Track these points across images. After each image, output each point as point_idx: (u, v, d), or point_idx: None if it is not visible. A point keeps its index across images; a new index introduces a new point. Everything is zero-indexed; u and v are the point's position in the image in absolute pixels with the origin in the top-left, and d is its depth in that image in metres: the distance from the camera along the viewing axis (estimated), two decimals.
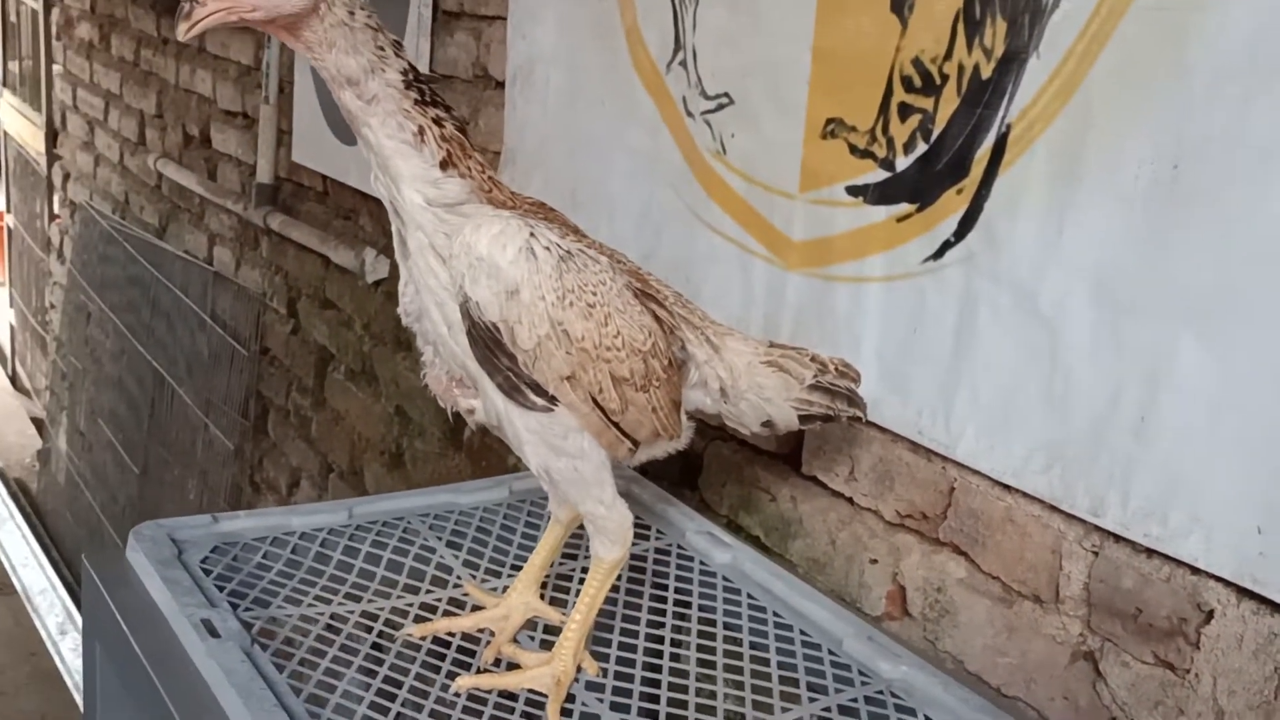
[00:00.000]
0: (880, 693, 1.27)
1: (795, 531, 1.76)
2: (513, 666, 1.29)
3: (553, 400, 1.18)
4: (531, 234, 1.16)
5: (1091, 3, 1.30)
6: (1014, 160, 1.40)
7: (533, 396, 1.18)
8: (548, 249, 1.16)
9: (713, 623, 1.39)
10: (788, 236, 1.71)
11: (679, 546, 1.56)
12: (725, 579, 1.48)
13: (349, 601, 1.38)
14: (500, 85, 2.37)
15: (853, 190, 1.61)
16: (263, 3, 1.06)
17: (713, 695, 1.25)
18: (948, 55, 1.47)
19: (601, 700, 1.24)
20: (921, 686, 1.28)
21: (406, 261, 1.21)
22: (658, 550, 1.56)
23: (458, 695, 1.22)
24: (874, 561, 1.65)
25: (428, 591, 1.42)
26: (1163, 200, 1.25)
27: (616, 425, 1.23)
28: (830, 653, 1.33)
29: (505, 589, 1.44)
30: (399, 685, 1.22)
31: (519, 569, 1.48)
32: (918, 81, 1.51)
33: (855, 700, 1.26)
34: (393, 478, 2.87)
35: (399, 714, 1.17)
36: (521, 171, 2.27)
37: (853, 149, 1.60)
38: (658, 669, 1.30)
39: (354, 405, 3.04)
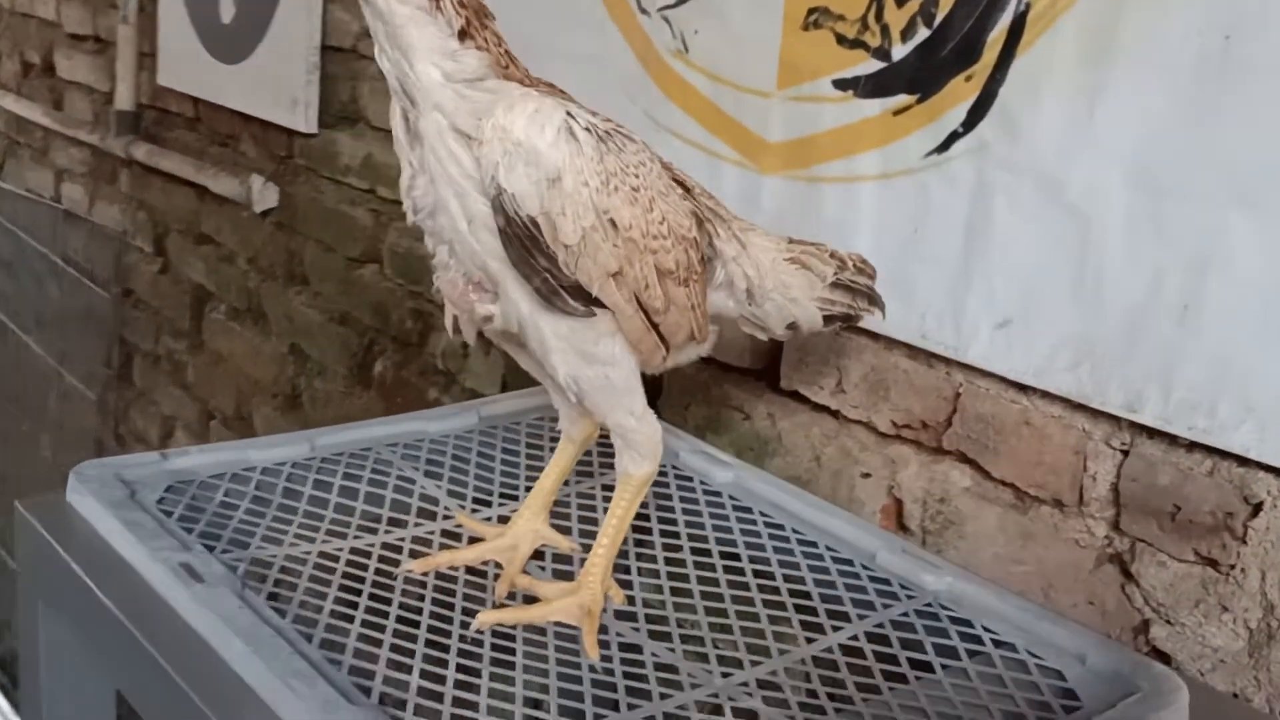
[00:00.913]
0: (929, 605, 1.19)
1: (773, 450, 1.67)
2: (530, 599, 1.17)
3: (594, 303, 1.06)
4: (569, 113, 1.03)
5: None
6: (1034, 40, 1.32)
7: (572, 301, 1.05)
8: (587, 130, 1.04)
9: (733, 543, 1.29)
10: (762, 138, 1.61)
11: (674, 468, 1.46)
12: (733, 498, 1.39)
13: (333, 539, 1.23)
14: None
15: (841, 84, 1.51)
16: None
17: (755, 618, 1.15)
18: None
19: (637, 630, 1.13)
20: (971, 596, 1.20)
21: (417, 150, 1.06)
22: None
23: (481, 633, 1.09)
24: (866, 475, 1.57)
25: (416, 525, 1.28)
26: (1212, 75, 1.19)
27: (656, 327, 1.12)
28: (865, 568, 1.25)
29: (497, 519, 1.31)
30: (415, 625, 1.09)
31: (508, 497, 1.36)
32: None
33: (906, 615, 1.18)
34: (288, 421, 2.69)
35: (426, 655, 1.04)
36: None
37: (840, 39, 1.50)
38: (689, 594, 1.19)
39: (239, 346, 2.84)
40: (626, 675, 1.05)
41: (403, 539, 1.25)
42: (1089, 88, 1.28)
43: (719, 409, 1.74)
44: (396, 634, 1.07)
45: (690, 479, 1.43)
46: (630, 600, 1.18)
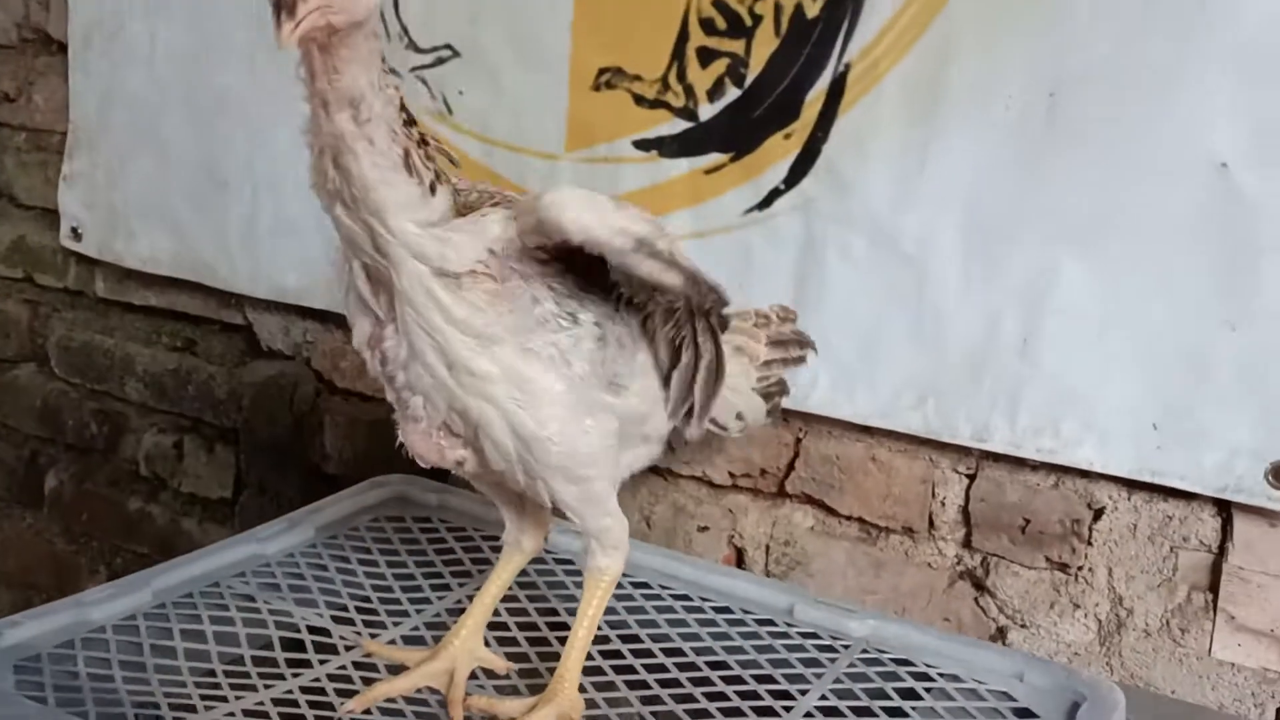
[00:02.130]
0: (866, 652, 1.23)
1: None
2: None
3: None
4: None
5: None
6: (857, 100, 1.40)
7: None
8: None
9: (654, 624, 1.27)
10: None
11: (547, 551, 1.41)
12: (626, 574, 1.36)
13: (244, 692, 1.09)
14: (63, 49, 1.95)
15: (643, 144, 1.52)
16: (345, 6, 0.86)
17: (724, 696, 1.14)
18: None
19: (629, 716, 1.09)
20: (897, 636, 1.25)
21: (382, 301, 1.00)
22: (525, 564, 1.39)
23: None
24: (704, 529, 1.60)
25: (322, 662, 1.16)
26: (1039, 128, 1.31)
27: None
28: (789, 625, 1.27)
29: (400, 640, 1.22)
30: None
31: (398, 614, 1.26)
32: (721, 23, 1.46)
33: (854, 665, 1.21)
34: None
35: None
36: (110, 154, 1.89)
37: (639, 99, 1.51)
38: (644, 685, 1.16)
39: None
40: None
41: (318, 679, 1.13)
42: (918, 143, 1.37)
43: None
44: None
45: (569, 562, 1.39)
46: (592, 703, 1.14)
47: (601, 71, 1.53)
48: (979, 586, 1.45)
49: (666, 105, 1.50)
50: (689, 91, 1.49)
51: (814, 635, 1.26)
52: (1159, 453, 1.31)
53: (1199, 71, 1.23)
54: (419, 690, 1.14)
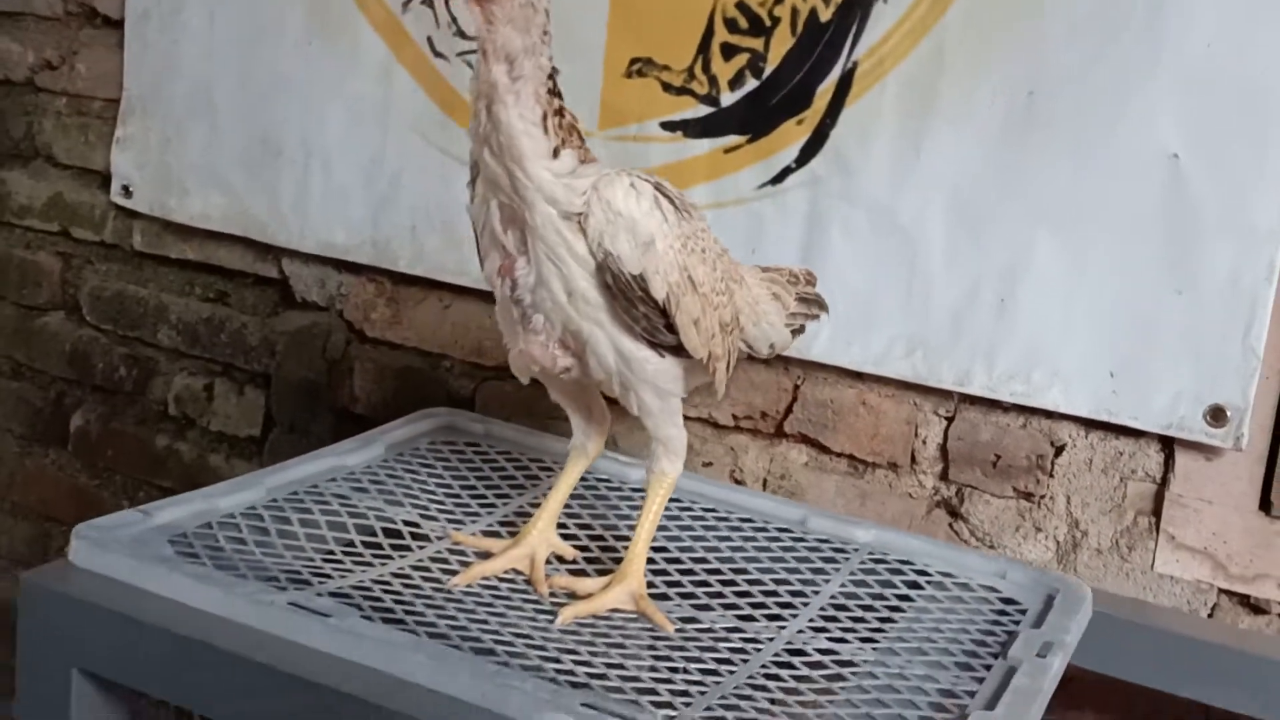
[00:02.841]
0: (872, 554, 1.46)
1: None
2: (570, 596, 1.31)
3: (678, 346, 1.24)
4: (655, 186, 1.21)
5: None
6: (863, 93, 1.63)
7: (664, 345, 1.23)
8: (668, 200, 1.21)
9: (690, 530, 1.48)
10: None
11: (588, 473, 1.61)
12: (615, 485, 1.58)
13: (365, 566, 1.29)
14: (110, 23, 2.12)
15: (669, 125, 1.74)
16: None
17: (748, 594, 1.35)
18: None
19: (681, 606, 1.30)
20: (895, 543, 1.48)
21: (512, 237, 1.20)
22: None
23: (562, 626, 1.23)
24: (708, 464, 1.82)
25: (420, 548, 1.36)
26: (1018, 123, 1.56)
27: (713, 368, 1.31)
28: (805, 535, 1.50)
29: (480, 534, 1.42)
30: (496, 627, 1.20)
31: (470, 515, 1.46)
32: (743, 23, 1.68)
33: (864, 563, 1.43)
34: None
35: (529, 646, 1.16)
36: (165, 121, 2.06)
37: (667, 86, 1.73)
38: (679, 584, 1.37)
39: None
40: (695, 640, 1.23)
41: (421, 560, 1.32)
42: (914, 132, 1.61)
43: (544, 422, 1.90)
44: (486, 633, 1.17)
45: (609, 480, 1.60)
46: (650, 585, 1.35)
47: (634, 61, 1.74)
48: (953, 513, 1.69)
49: (692, 92, 1.72)
50: (713, 81, 1.71)
51: (826, 541, 1.49)
52: (1114, 396, 1.56)
53: (1154, 79, 1.49)
54: (506, 571, 1.34)
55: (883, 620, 1.32)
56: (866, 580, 1.41)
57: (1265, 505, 1.53)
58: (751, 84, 1.69)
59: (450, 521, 1.43)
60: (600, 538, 1.45)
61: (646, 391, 1.26)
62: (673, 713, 1.08)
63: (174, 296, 2.18)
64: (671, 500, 1.56)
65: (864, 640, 1.27)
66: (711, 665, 1.19)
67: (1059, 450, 1.63)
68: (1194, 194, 1.49)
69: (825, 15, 1.64)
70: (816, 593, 1.37)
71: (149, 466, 2.24)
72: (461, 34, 1.83)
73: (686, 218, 1.23)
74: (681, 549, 1.45)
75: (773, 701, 1.13)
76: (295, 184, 1.97)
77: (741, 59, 1.69)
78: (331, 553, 1.32)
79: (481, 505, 1.49)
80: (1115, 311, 1.55)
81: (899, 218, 1.63)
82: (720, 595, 1.35)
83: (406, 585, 1.27)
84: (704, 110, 1.72)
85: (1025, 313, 1.59)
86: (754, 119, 1.69)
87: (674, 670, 1.16)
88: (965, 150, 1.59)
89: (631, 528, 1.44)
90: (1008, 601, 1.39)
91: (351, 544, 1.35)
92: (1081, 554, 1.63)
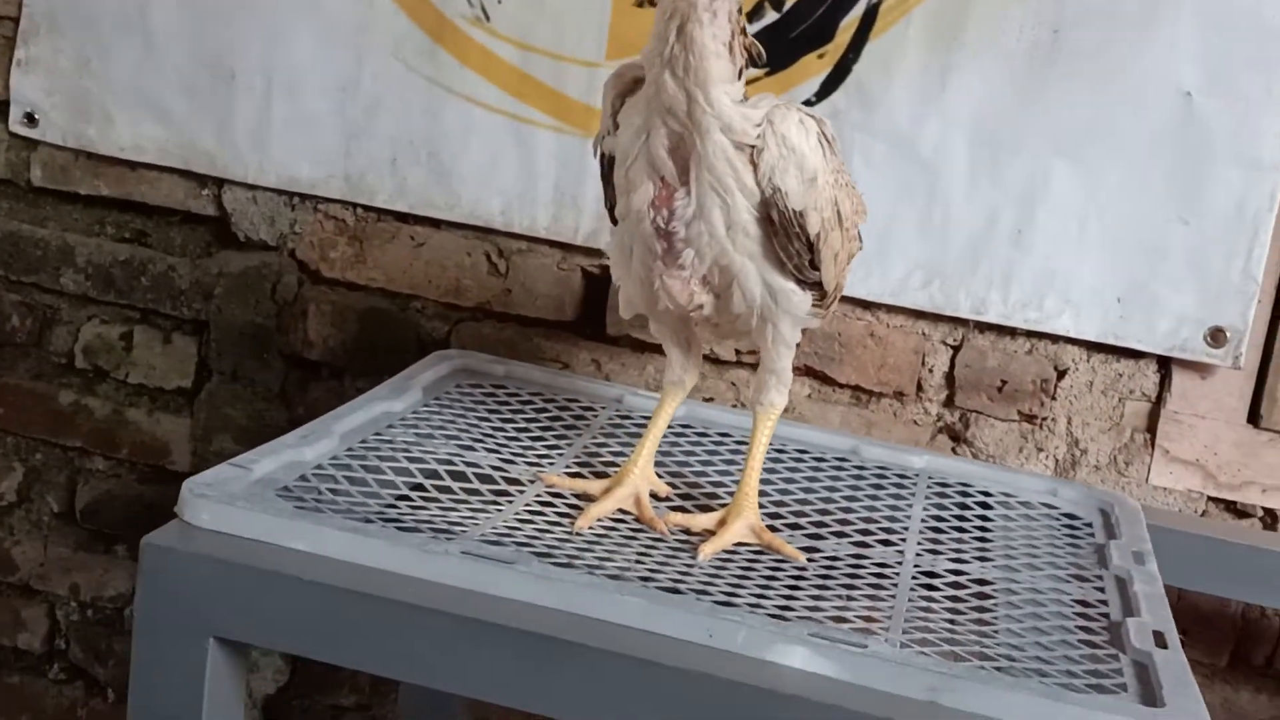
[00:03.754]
0: (935, 480, 1.51)
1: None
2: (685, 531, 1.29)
3: (815, 280, 1.23)
4: (817, 120, 1.20)
5: None
6: (887, 28, 1.65)
7: (811, 274, 1.22)
8: (824, 135, 1.20)
9: (735, 462, 1.48)
10: (588, 105, 1.74)
11: (625, 411, 1.58)
12: (698, 429, 1.56)
13: (483, 515, 1.22)
14: None
15: None
16: None
17: (850, 503, 1.37)
18: None
19: (793, 539, 1.31)
20: (947, 467, 1.53)
21: (668, 167, 1.16)
22: (617, 419, 1.56)
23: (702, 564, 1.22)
24: (708, 400, 1.81)
25: (519, 491, 1.30)
26: (1042, 59, 1.62)
27: (834, 299, 1.31)
28: (859, 465, 1.52)
29: (571, 473, 1.38)
30: (652, 564, 1.17)
31: (546, 456, 1.41)
32: None
33: (931, 486, 1.48)
34: None
35: (674, 579, 1.14)
36: (81, 41, 1.86)
37: None
38: (782, 505, 1.38)
39: None
40: (831, 568, 1.23)
41: (531, 504, 1.27)
42: (938, 67, 1.64)
43: (538, 361, 1.84)
44: (665, 571, 1.15)
45: (630, 416, 1.57)
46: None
47: None
48: (956, 438, 1.76)
49: None
50: None
51: (886, 469, 1.52)
52: (1121, 321, 1.66)
53: (1172, 18, 1.58)
54: (617, 511, 1.31)
55: (980, 540, 1.37)
56: (943, 504, 1.45)
57: (1254, 418, 1.66)
58: (771, 16, 1.68)
59: (529, 464, 1.38)
60: (679, 475, 1.42)
61: (786, 323, 1.26)
62: (882, 638, 1.08)
63: (81, 237, 1.98)
64: (723, 435, 1.55)
65: (979, 559, 1.31)
66: (868, 591, 1.20)
67: (1061, 374, 1.71)
68: (1203, 129, 1.59)
69: None
70: (908, 518, 1.39)
71: (51, 425, 2.04)
72: None
73: (834, 151, 1.23)
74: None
75: (951, 623, 1.16)
76: (252, 112, 1.82)
77: None
78: (437, 499, 1.25)
79: (547, 447, 1.44)
80: (1125, 240, 1.64)
81: (920, 149, 1.66)
82: (822, 525, 1.36)
83: (537, 530, 1.22)
84: None
85: (1040, 241, 1.66)
86: (773, 52, 1.67)
87: (840, 598, 1.17)
88: (990, 83, 1.63)
89: (702, 462, 1.44)
90: (1070, 516, 1.47)
91: (449, 489, 1.28)
92: (1080, 470, 1.72)
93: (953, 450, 1.76)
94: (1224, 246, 1.61)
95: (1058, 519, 1.46)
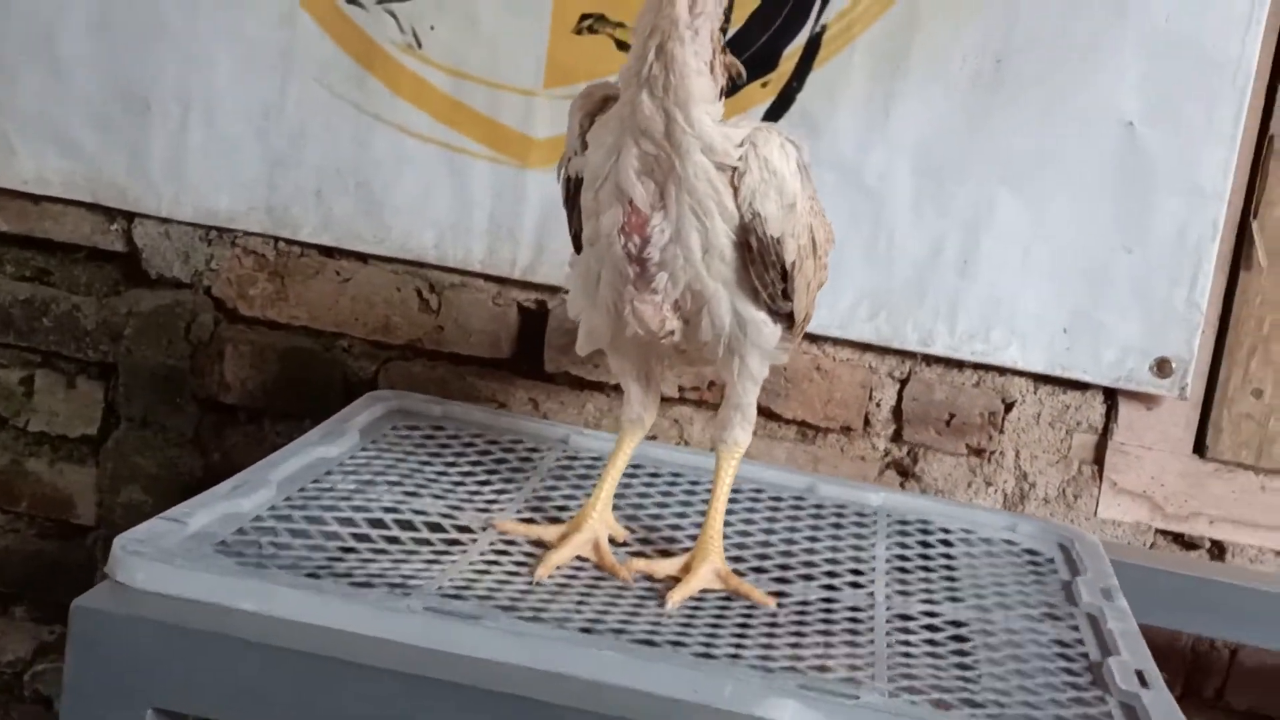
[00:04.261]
0: (893, 517, 1.46)
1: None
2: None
3: (787, 311, 1.19)
4: (796, 145, 1.16)
5: None
6: (831, 56, 1.62)
7: (783, 305, 1.18)
8: (802, 159, 1.17)
9: (690, 503, 1.43)
10: (525, 134, 1.69)
11: (573, 452, 1.52)
12: (649, 469, 1.51)
13: (435, 567, 1.15)
14: None
15: None
16: None
17: (810, 576, 1.32)
18: None
19: (760, 582, 1.25)
20: (905, 505, 1.49)
21: (648, 188, 1.11)
22: (564, 460, 1.50)
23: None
24: (651, 438, 1.75)
25: (471, 541, 1.23)
26: (985, 88, 1.60)
27: (801, 330, 1.27)
28: (821, 505, 1.47)
29: (523, 518, 1.31)
30: (620, 615, 1.11)
31: (491, 502, 1.34)
32: None
33: (893, 525, 1.44)
34: None
35: (647, 630, 1.09)
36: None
37: (621, 45, 1.65)
38: (743, 548, 1.33)
39: None
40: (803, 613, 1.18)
41: (485, 553, 1.20)
42: (883, 95, 1.62)
43: (474, 401, 1.77)
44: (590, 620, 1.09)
45: (600, 458, 1.51)
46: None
47: (584, 17, 1.65)
48: (904, 473, 1.72)
49: None
50: None
51: (843, 507, 1.48)
52: (1067, 352, 1.64)
53: (1114, 47, 1.57)
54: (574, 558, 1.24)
55: (948, 580, 1.33)
56: (905, 542, 1.41)
57: (1200, 448, 1.66)
58: None
59: (478, 510, 1.31)
60: (634, 518, 1.36)
61: (754, 356, 1.21)
62: (871, 687, 1.03)
63: None
64: (676, 475, 1.50)
65: (951, 599, 1.27)
66: (845, 636, 1.15)
67: (1009, 406, 1.69)
68: (1146, 158, 1.59)
69: None
70: (872, 558, 1.35)
71: None
72: None
73: (809, 177, 1.19)
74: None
75: (934, 668, 1.11)
76: (167, 141, 1.72)
77: None
78: (386, 551, 1.17)
79: (495, 491, 1.37)
80: (1070, 270, 1.63)
81: (865, 177, 1.64)
82: (787, 567, 1.30)
83: (496, 581, 1.15)
84: None
85: (986, 270, 1.64)
86: None
87: (819, 645, 1.12)
88: (934, 112, 1.61)
89: (657, 504, 1.38)
90: (1031, 552, 1.44)
91: (397, 539, 1.20)
92: (1029, 504, 1.70)
93: (901, 485, 1.72)
94: (1168, 275, 1.61)
95: (1019, 555, 1.43)
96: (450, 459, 1.44)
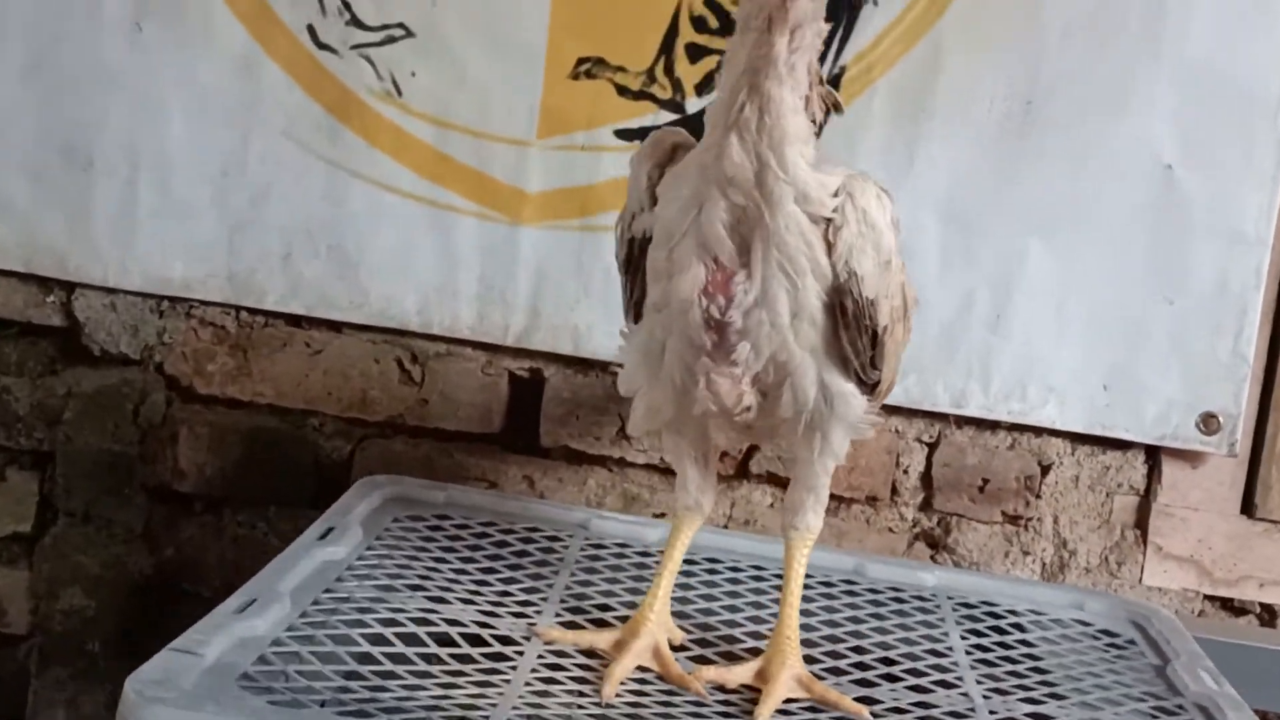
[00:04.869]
0: (956, 600, 1.33)
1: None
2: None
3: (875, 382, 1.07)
4: (889, 195, 1.04)
5: None
6: (851, 100, 1.51)
7: (872, 374, 1.06)
8: (895, 211, 1.04)
9: (761, 595, 1.29)
10: (518, 188, 1.54)
11: (596, 539, 1.37)
12: (687, 555, 1.36)
13: (494, 690, 0.99)
14: None
15: (625, 133, 1.53)
16: None
17: (893, 676, 1.18)
18: None
19: (840, 685, 1.12)
20: (962, 585, 1.36)
21: (738, 253, 0.99)
22: (589, 549, 1.34)
23: None
24: (660, 515, 1.61)
25: (518, 654, 1.07)
26: (1015, 132, 1.50)
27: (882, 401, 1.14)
28: (870, 586, 1.34)
29: (565, 623, 1.15)
30: None
31: (528, 604, 1.18)
32: (713, 22, 1.51)
33: (957, 609, 1.31)
34: None
35: None
36: None
37: (623, 90, 1.52)
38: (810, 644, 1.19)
39: None
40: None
41: (539, 669, 1.05)
42: (906, 141, 1.51)
43: (467, 482, 1.60)
44: None
45: (629, 545, 1.36)
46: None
47: (581, 61, 1.52)
48: (934, 545, 1.60)
49: (652, 97, 1.52)
50: (677, 85, 1.52)
51: (899, 590, 1.35)
52: (1108, 410, 1.54)
53: (1149, 86, 1.49)
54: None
55: (1038, 672, 1.20)
56: (978, 628, 1.29)
57: (1248, 507, 1.57)
58: None
59: (514, 615, 1.15)
60: (682, 614, 1.21)
61: (838, 432, 1.08)
62: None
63: None
64: (711, 561, 1.36)
65: (1053, 698, 1.14)
66: None
67: (1046, 469, 1.58)
68: (1185, 204, 1.50)
69: None
70: (950, 650, 1.22)
71: None
72: (358, 22, 1.52)
73: (899, 231, 1.06)
74: (771, 618, 1.25)
75: None
76: (113, 202, 1.54)
77: (711, 61, 1.51)
78: (429, 673, 1.01)
79: (525, 590, 1.21)
80: (1108, 322, 1.53)
81: None
82: (864, 666, 1.17)
83: (563, 705, 0.99)
84: (666, 117, 1.52)
85: (1019, 326, 1.54)
86: None
87: None
88: (961, 158, 1.51)
89: (702, 595, 1.24)
90: (1108, 634, 1.32)
91: (435, 657, 1.04)
92: (1070, 573, 1.59)
93: (931, 558, 1.60)
94: (1210, 325, 1.52)
95: (1098, 638, 1.31)
96: (466, 554, 1.27)
